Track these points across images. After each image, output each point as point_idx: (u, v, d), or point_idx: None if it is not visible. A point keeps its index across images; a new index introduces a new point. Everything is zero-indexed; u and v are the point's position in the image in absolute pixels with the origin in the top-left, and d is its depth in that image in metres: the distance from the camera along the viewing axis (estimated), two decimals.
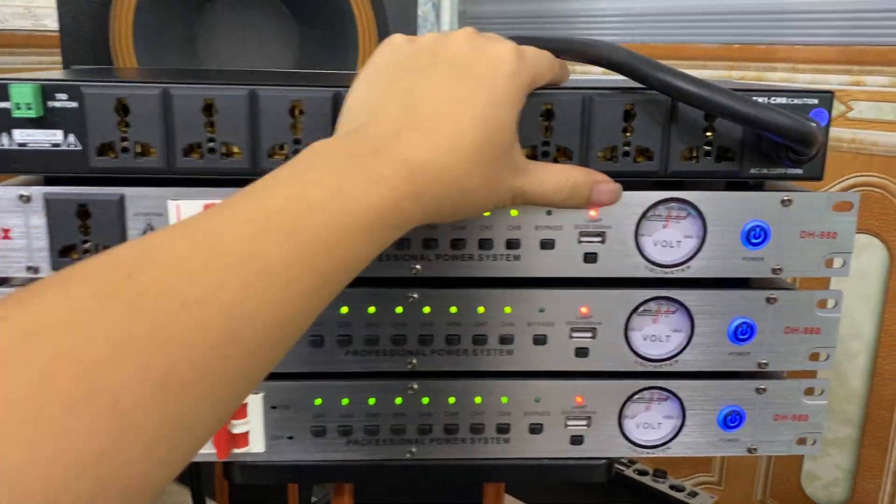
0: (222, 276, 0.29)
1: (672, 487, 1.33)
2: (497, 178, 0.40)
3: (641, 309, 0.48)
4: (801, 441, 0.51)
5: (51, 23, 1.26)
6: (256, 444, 0.49)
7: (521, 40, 0.50)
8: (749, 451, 0.51)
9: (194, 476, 0.93)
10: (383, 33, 0.88)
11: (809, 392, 0.50)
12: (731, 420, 0.50)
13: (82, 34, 0.83)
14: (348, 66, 0.86)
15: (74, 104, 0.43)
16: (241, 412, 0.48)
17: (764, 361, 0.49)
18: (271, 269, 0.30)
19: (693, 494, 1.32)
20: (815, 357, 0.49)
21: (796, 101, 0.45)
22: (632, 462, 1.35)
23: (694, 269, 0.48)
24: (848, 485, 1.19)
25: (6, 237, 0.45)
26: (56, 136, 0.44)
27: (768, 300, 0.48)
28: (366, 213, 0.33)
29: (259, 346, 0.30)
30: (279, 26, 0.91)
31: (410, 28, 0.93)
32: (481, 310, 0.48)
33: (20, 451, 0.23)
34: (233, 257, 0.29)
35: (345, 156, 0.36)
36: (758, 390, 0.50)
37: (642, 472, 1.37)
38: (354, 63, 0.86)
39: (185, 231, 0.30)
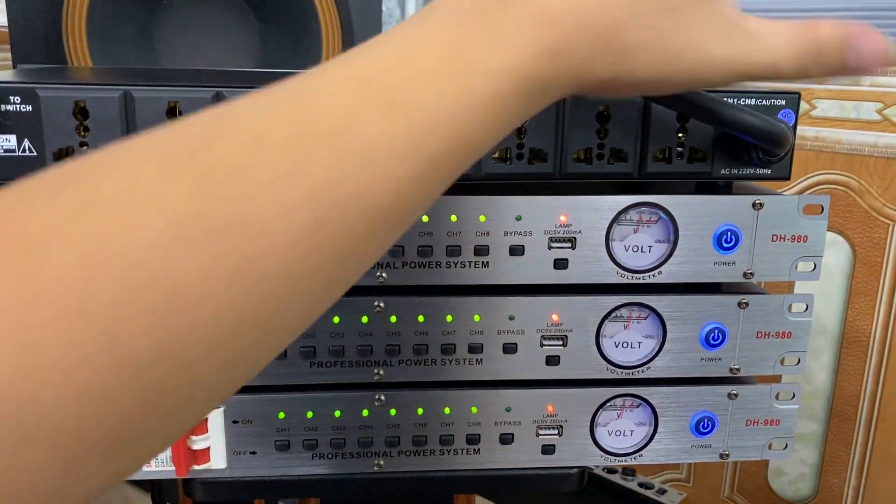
0: (312, 150, 0.24)
1: (641, 485, 1.34)
2: (680, 36, 0.31)
3: (613, 315, 0.48)
4: (772, 446, 0.51)
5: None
6: (218, 460, 0.47)
7: None
8: (721, 456, 0.50)
9: (155, 487, 0.91)
10: (347, 30, 0.86)
11: (780, 397, 0.50)
12: (704, 426, 0.50)
13: (33, 30, 0.80)
14: (312, 65, 0.84)
15: (28, 107, 0.41)
16: (201, 427, 0.46)
17: (736, 366, 0.49)
18: (371, 145, 0.25)
19: (662, 492, 1.33)
20: (785, 361, 0.49)
21: (764, 102, 0.45)
22: None
23: (665, 275, 0.47)
24: (813, 480, 1.21)
25: None
26: (10, 141, 0.41)
27: (740, 305, 0.48)
28: (488, 80, 0.27)
29: (355, 238, 0.25)
30: (239, 23, 0.88)
31: (375, 25, 0.91)
32: (449, 318, 0.47)
33: (61, 345, 0.19)
34: (324, 129, 0.24)
35: (468, 8, 0.28)
36: (730, 395, 0.49)
37: (611, 471, 1.38)
38: (318, 61, 0.84)
39: (270, 98, 0.26)
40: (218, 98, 0.42)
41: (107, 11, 0.81)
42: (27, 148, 0.42)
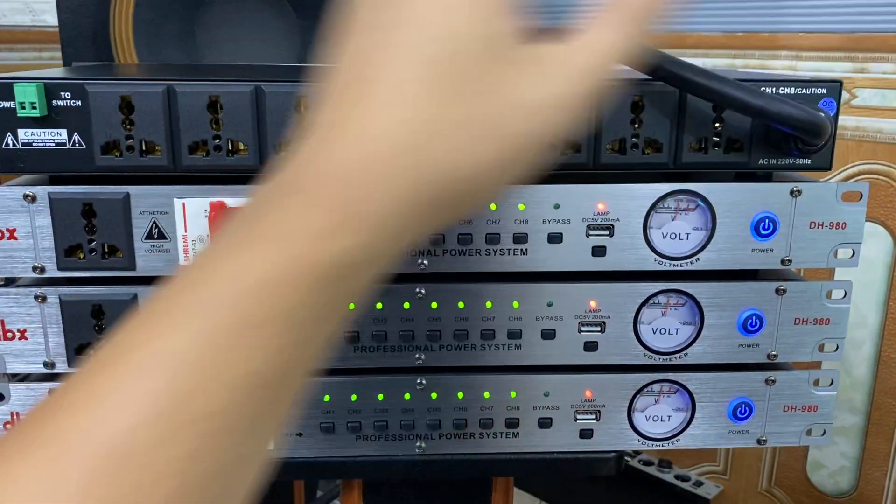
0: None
1: (677, 477, 1.34)
2: (504, 125, 0.27)
3: (650, 302, 0.48)
4: (811, 432, 0.51)
5: (50, 18, 1.25)
6: None
7: None
8: (759, 442, 0.51)
9: None
10: None
11: (819, 383, 0.50)
12: (741, 412, 0.50)
13: (82, 30, 0.82)
14: None
15: (78, 102, 0.43)
16: None
17: (773, 353, 0.49)
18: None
19: (698, 484, 1.32)
20: (824, 348, 0.49)
21: (804, 91, 0.45)
22: (636, 452, 1.35)
23: (703, 262, 0.47)
24: (854, 473, 1.19)
25: (12, 237, 0.45)
26: (60, 135, 0.43)
27: (777, 291, 0.48)
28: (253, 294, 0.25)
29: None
30: (279, 19, 0.90)
31: None
32: (489, 304, 0.48)
33: None
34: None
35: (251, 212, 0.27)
36: (767, 381, 0.50)
37: (647, 463, 1.37)
38: None
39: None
40: (257, 92, 0.43)
41: (152, 11, 0.83)
42: (77, 141, 0.44)
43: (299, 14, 0.90)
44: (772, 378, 0.50)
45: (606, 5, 0.30)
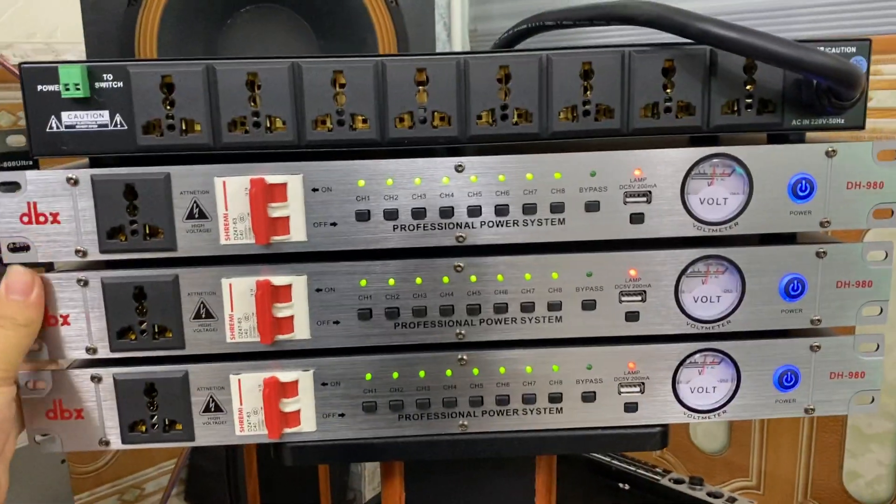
0: None
1: (710, 494, 1.31)
2: None
3: (690, 270, 0.48)
4: (860, 399, 0.50)
5: (71, 57, 1.29)
6: (308, 423, 0.48)
7: (546, 16, 0.51)
8: (806, 411, 0.50)
9: (230, 463, 0.92)
10: (402, 45, 0.89)
11: (865, 348, 0.49)
12: (787, 380, 0.49)
13: (107, 52, 0.84)
14: None
15: (120, 84, 0.44)
16: (291, 390, 0.47)
17: (817, 318, 0.49)
18: None
19: (732, 500, 1.29)
20: (869, 312, 0.49)
21: (834, 50, 0.45)
22: (666, 472, 1.33)
23: (742, 226, 0.47)
24: (892, 481, 1.17)
25: (55, 221, 0.45)
26: (103, 116, 0.44)
27: (818, 254, 0.48)
28: None
29: None
30: (299, 39, 0.92)
31: (429, 39, 0.94)
32: (528, 277, 0.48)
33: None
34: None
35: None
36: (812, 348, 0.49)
37: (678, 481, 1.35)
38: None
39: None
40: (294, 69, 0.44)
41: (176, 31, 0.85)
42: (119, 122, 0.44)
43: (318, 34, 0.91)
44: (816, 344, 0.49)
45: None
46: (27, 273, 0.45)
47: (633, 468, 1.29)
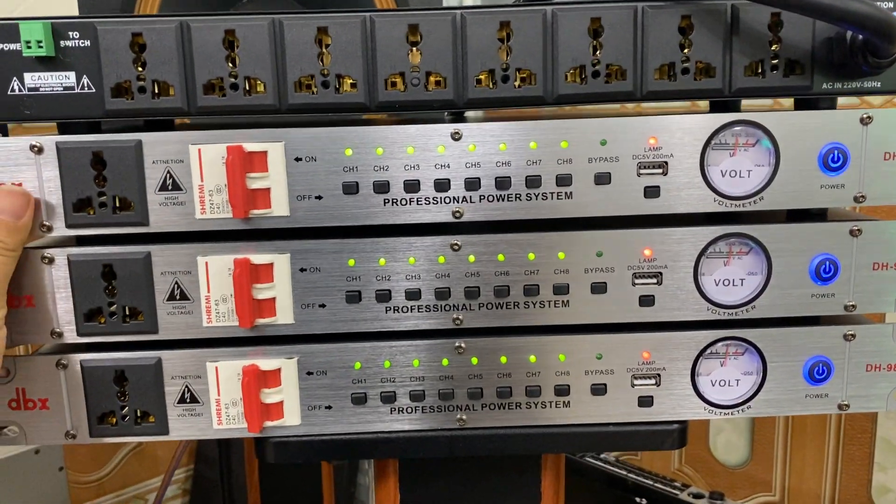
0: None
1: None
2: None
3: (711, 250, 0.44)
4: None
5: None
6: (292, 416, 0.44)
7: None
8: (840, 407, 0.45)
9: (224, 460, 0.88)
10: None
11: None
12: (818, 372, 0.45)
13: None
14: None
15: (87, 42, 0.40)
16: (273, 379, 0.44)
17: (851, 303, 0.44)
18: None
19: None
20: None
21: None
22: (685, 486, 1.28)
23: (767, 201, 0.43)
24: None
25: None
26: (69, 78, 0.41)
27: (852, 232, 0.43)
28: None
29: None
30: None
31: None
32: (531, 256, 0.44)
33: None
34: None
35: None
36: (846, 337, 0.45)
37: (698, 496, 1.29)
38: None
39: None
40: (274, 26, 0.41)
41: None
42: (86, 84, 0.41)
43: None
44: (851, 332, 0.45)
45: None
46: (20, 194, 0.41)
47: (650, 481, 1.23)
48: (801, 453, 1.21)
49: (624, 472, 1.20)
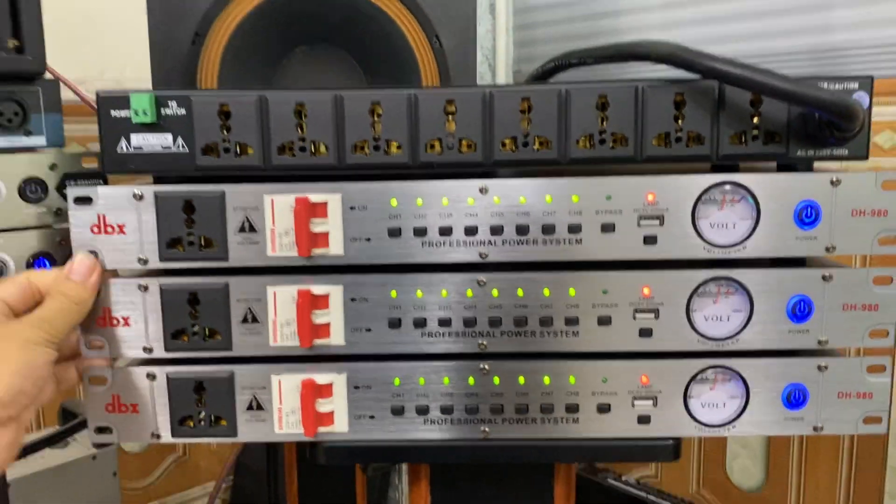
0: None
1: None
2: None
3: (701, 290, 0.51)
4: (869, 420, 0.52)
5: None
6: (341, 424, 0.52)
7: (572, 55, 0.55)
8: (815, 429, 0.52)
9: (271, 461, 0.96)
10: (445, 82, 0.94)
11: (872, 369, 0.51)
12: (795, 398, 0.52)
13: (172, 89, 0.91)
14: None
15: (183, 111, 0.49)
16: (326, 391, 0.52)
17: (823, 338, 0.51)
18: None
19: None
20: (875, 334, 0.51)
21: (837, 86, 0.49)
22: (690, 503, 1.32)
23: (750, 250, 0.50)
24: None
25: (121, 232, 0.50)
26: (167, 139, 0.50)
27: (824, 278, 0.50)
28: None
29: None
30: (349, 78, 0.98)
31: (471, 76, 0.99)
32: (547, 293, 0.51)
33: None
34: None
35: None
36: (819, 367, 0.51)
37: None
38: None
39: None
40: (337, 100, 0.49)
41: (235, 68, 0.91)
42: (180, 145, 0.50)
43: (366, 73, 0.97)
44: (823, 364, 0.51)
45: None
46: (90, 260, 0.50)
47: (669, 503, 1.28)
48: (814, 478, 1.25)
49: (644, 494, 1.26)
